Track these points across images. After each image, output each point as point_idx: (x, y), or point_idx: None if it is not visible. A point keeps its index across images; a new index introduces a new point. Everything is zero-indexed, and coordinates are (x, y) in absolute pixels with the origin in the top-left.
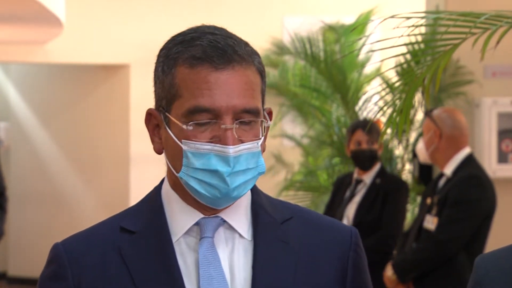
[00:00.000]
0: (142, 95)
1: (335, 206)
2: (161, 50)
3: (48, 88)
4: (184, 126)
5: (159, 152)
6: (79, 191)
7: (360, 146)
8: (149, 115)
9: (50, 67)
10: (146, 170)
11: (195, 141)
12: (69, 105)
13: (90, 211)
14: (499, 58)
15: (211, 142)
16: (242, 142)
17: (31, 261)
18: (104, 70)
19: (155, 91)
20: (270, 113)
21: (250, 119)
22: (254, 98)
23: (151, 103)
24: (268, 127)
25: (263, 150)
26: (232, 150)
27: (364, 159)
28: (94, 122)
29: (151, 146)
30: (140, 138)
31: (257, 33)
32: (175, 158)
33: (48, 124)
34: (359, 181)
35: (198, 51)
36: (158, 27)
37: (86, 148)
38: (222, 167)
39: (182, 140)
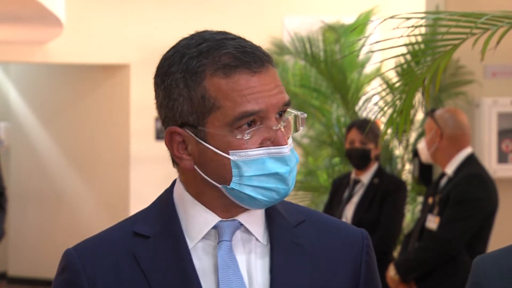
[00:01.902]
0: (142, 95)
1: (333, 207)
2: (170, 66)
3: (48, 88)
4: (239, 136)
5: (190, 168)
6: (79, 191)
7: (353, 144)
8: (171, 133)
9: (50, 67)
10: (146, 170)
11: (245, 149)
12: (69, 105)
13: (90, 211)
14: (499, 58)
15: (263, 146)
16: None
17: (31, 261)
18: (104, 70)
19: (174, 108)
20: None
21: (285, 112)
22: (285, 92)
23: (151, 103)
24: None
25: None
26: (287, 149)
27: (356, 158)
28: (94, 122)
29: (151, 146)
30: (140, 138)
31: (257, 33)
32: (219, 170)
33: (48, 124)
34: (357, 181)
35: (230, 59)
36: (158, 27)
37: (86, 148)
38: (280, 168)
39: (230, 151)
